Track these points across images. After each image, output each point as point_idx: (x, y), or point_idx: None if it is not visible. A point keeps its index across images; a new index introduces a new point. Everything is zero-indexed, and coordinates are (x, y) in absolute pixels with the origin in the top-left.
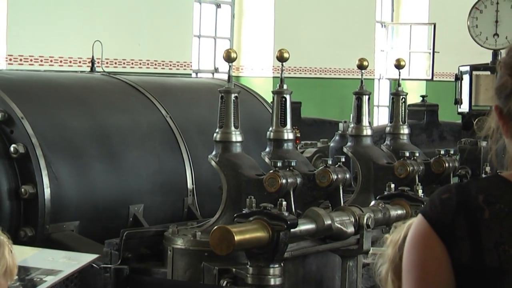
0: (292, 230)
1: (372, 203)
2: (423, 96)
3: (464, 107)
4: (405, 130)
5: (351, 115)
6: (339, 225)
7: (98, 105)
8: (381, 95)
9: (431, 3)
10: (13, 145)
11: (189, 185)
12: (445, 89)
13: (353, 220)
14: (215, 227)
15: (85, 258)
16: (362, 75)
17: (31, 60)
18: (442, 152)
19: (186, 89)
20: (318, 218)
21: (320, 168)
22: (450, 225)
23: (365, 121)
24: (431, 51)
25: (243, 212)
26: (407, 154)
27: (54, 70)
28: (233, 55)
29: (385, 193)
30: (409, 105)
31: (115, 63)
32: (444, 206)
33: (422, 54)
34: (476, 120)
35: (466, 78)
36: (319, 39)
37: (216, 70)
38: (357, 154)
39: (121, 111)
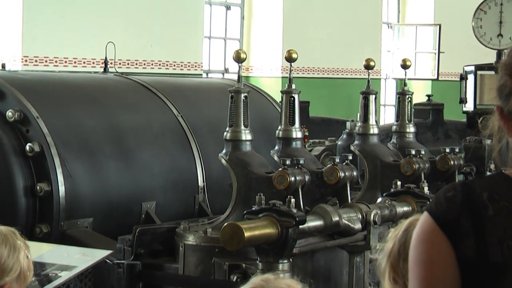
0: (300, 226)
1: (379, 200)
2: (428, 96)
3: (469, 106)
4: (411, 128)
5: (358, 114)
6: (346, 222)
7: (112, 104)
8: (388, 95)
9: (436, 4)
10: (29, 144)
11: (200, 182)
12: (450, 88)
13: (360, 216)
14: (226, 223)
15: (98, 254)
16: (369, 75)
17: (46, 61)
18: (448, 150)
19: (197, 89)
20: (326, 214)
21: (328, 166)
22: (455, 222)
23: (372, 120)
24: (437, 51)
25: (253, 209)
26: (413, 152)
27: (68, 71)
28: (242, 55)
29: (392, 190)
30: (415, 104)
31: (128, 64)
32: (449, 203)
33: (428, 54)
34: (481, 118)
35: (471, 77)
36: (327, 40)
37: (226, 70)
38: (364, 152)
39: (134, 111)
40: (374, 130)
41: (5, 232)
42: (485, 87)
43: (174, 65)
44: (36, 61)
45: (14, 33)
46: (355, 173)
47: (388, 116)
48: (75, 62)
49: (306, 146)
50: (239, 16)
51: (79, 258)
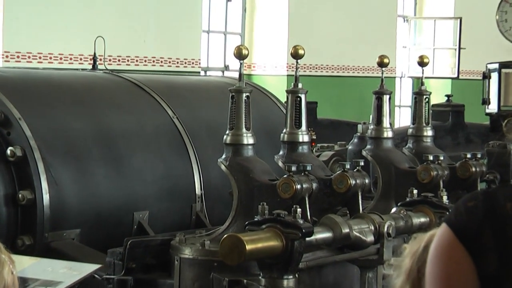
0: (307, 239)
1: (393, 210)
2: (448, 96)
3: (492, 108)
4: (428, 132)
5: (371, 116)
6: (357, 234)
7: (101, 105)
8: (403, 95)
9: None
10: (10, 148)
11: (198, 190)
12: (471, 88)
13: (372, 228)
14: (225, 235)
15: (86, 269)
16: (382, 73)
17: (29, 57)
18: (469, 155)
19: (194, 88)
20: (335, 226)
21: (338, 172)
22: (476, 234)
23: (386, 123)
24: (457, 47)
25: (255, 219)
26: (431, 157)
27: (53, 68)
28: (244, 51)
29: (407, 199)
30: (433, 105)
31: (119, 60)
32: (470, 214)
33: (447, 50)
34: (506, 121)
35: (494, 76)
36: (336, 34)
37: (226, 67)
38: (377, 158)
39: (125, 112)
40: (388, 133)
41: None
42: (510, 87)
43: (170, 62)
44: (18, 57)
45: None
46: (367, 181)
47: (403, 118)
48: (61, 59)
49: (314, 151)
50: (241, 8)
51: (65, 273)
